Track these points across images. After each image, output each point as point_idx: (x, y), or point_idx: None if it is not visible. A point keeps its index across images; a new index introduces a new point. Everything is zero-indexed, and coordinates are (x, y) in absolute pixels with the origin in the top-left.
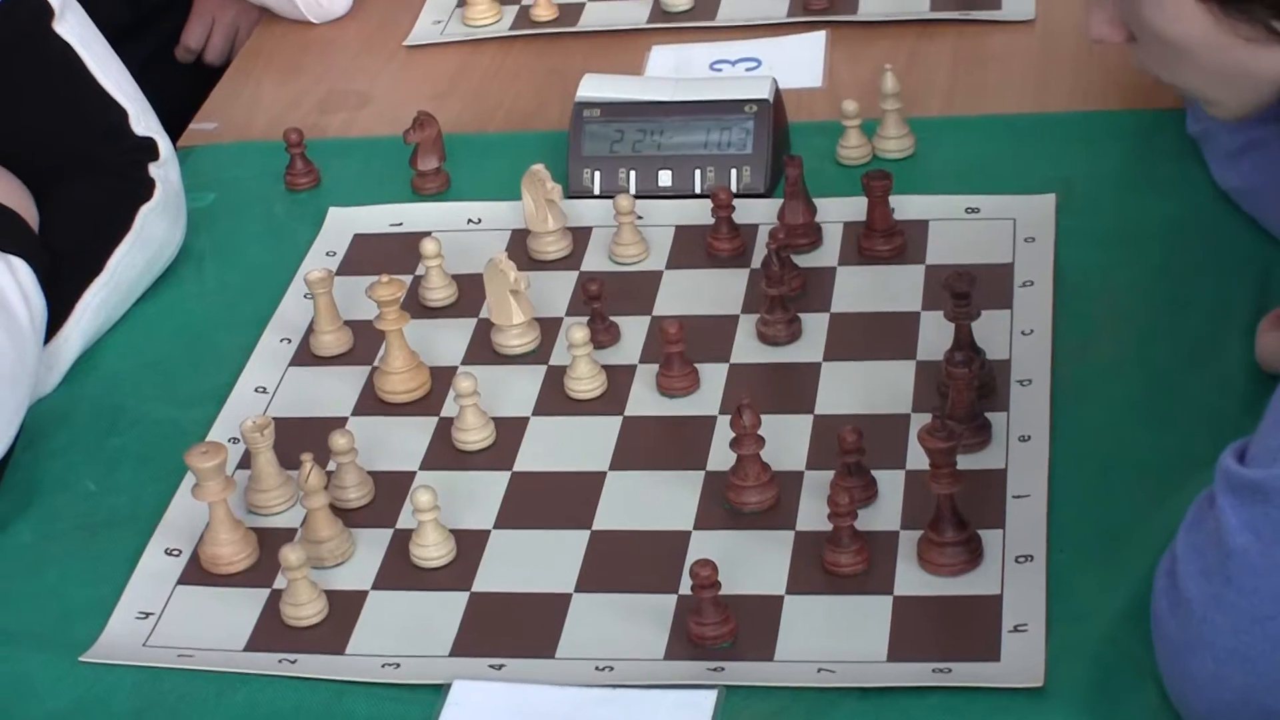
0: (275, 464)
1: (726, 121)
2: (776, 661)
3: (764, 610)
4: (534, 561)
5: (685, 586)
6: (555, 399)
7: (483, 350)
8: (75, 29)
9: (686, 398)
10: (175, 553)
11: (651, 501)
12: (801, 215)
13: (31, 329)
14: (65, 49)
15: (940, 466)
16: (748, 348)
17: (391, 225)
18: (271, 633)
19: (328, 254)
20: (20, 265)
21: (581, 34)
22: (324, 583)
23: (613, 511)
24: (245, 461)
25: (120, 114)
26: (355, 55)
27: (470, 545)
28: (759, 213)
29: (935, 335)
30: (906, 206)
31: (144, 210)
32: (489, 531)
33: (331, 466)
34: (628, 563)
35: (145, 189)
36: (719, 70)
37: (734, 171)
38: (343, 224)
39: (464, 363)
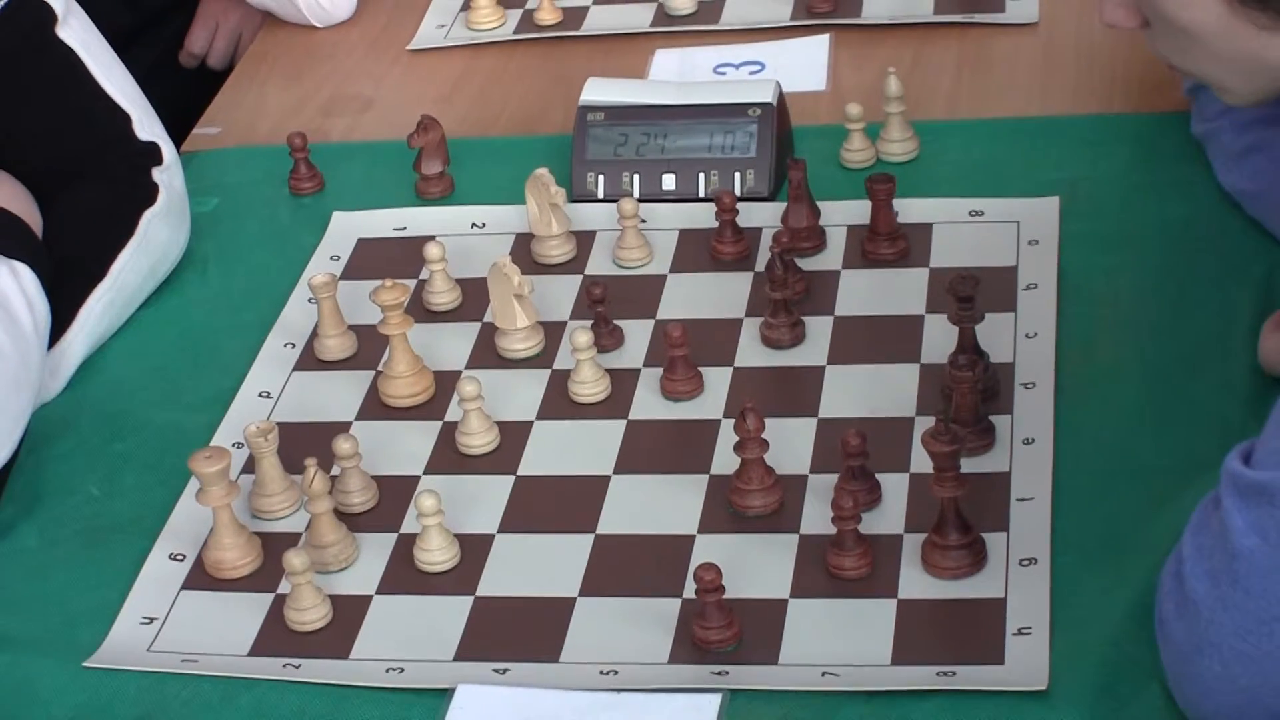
0: (279, 469)
1: (730, 125)
2: (781, 665)
3: (768, 614)
4: (538, 566)
5: (689, 590)
6: (559, 403)
7: (487, 354)
8: (78, 34)
9: (690, 401)
10: (179, 558)
11: (655, 505)
12: (805, 218)
13: (35, 334)
14: (68, 54)
15: (944, 470)
16: (751, 351)
17: (395, 229)
18: (276, 637)
19: (332, 258)
20: (24, 270)
21: (585, 37)
22: (328, 587)
23: (617, 515)
24: (249, 466)
25: (123, 119)
26: (359, 59)
27: (474, 549)
28: (763, 216)
29: (939, 338)
30: (910, 210)
31: (147, 215)
32: (493, 536)
33: (335, 471)
34: (632, 566)
35: (149, 194)
36: (722, 74)
37: (738, 175)
38: (347, 228)
39: (468, 367)
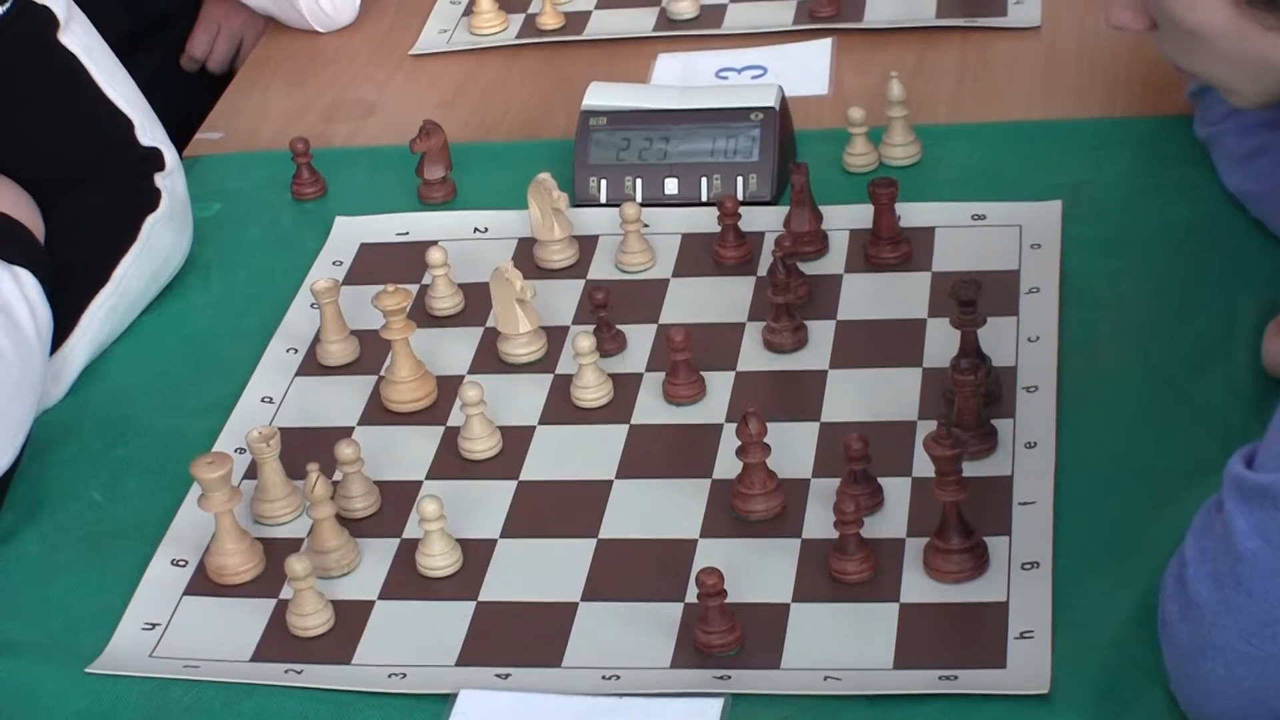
0: (281, 474)
1: (732, 129)
2: (783, 669)
3: (770, 618)
4: (540, 570)
5: (692, 595)
6: (562, 408)
7: (489, 359)
8: (80, 39)
9: (693, 406)
10: (181, 563)
11: (658, 510)
12: (808, 223)
13: (37, 340)
14: (70, 60)
15: (946, 474)
16: (754, 355)
17: (398, 234)
18: (278, 643)
19: (334, 263)
20: (26, 276)
21: (587, 42)
22: (330, 593)
23: (619, 520)
24: (251, 472)
25: (126, 124)
26: (361, 64)
27: (477, 554)
28: (765, 220)
29: (941, 342)
30: (912, 214)
31: (150, 220)
32: (495, 541)
33: (338, 476)
34: (634, 571)
35: (151, 199)
36: (725, 78)
37: (740, 179)
38: (349, 233)
39: (470, 372)
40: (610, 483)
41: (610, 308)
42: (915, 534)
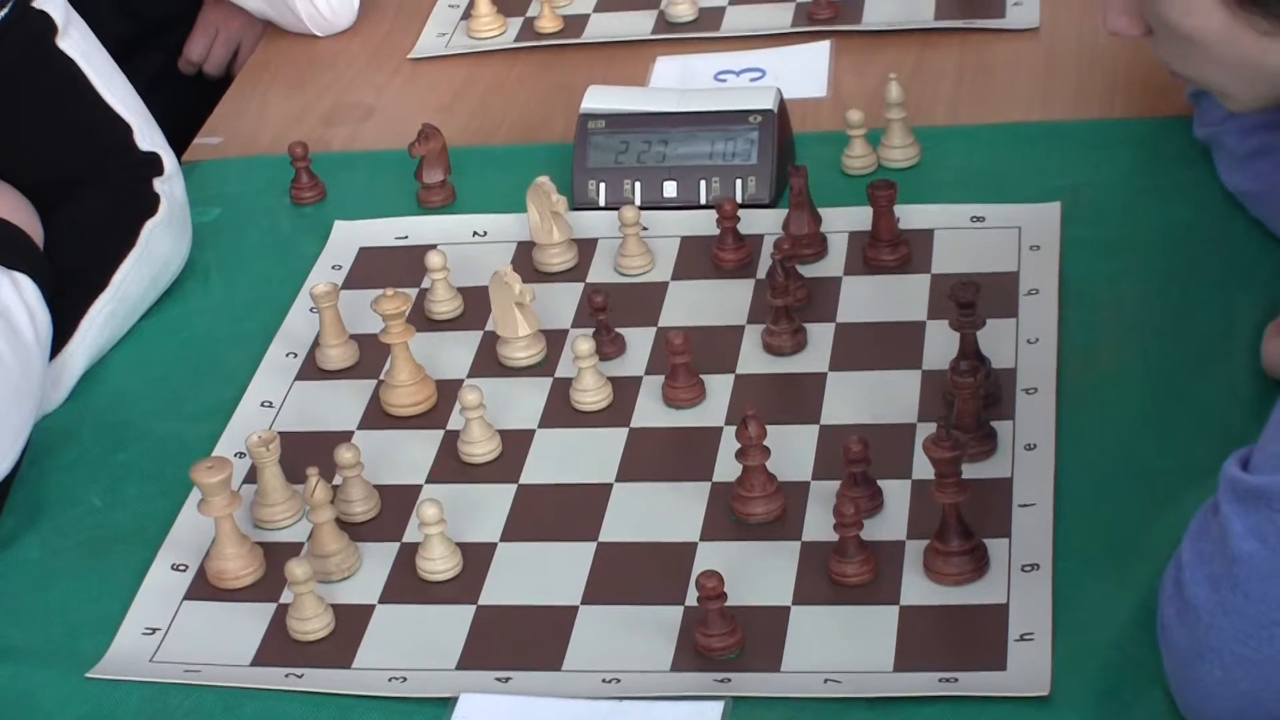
0: (281, 478)
1: (731, 132)
2: (783, 672)
3: (770, 621)
4: (540, 574)
5: (692, 598)
6: (561, 411)
7: (488, 363)
8: (79, 44)
9: (692, 409)
10: (182, 568)
11: (657, 513)
12: (806, 225)
13: (37, 345)
14: (69, 65)
15: (945, 476)
16: (753, 358)
17: (397, 238)
18: (278, 647)
19: (333, 268)
20: (25, 281)
21: (586, 45)
22: (330, 597)
23: (619, 523)
24: (251, 476)
25: (124, 129)
26: (360, 68)
27: (477, 558)
28: (764, 223)
29: (940, 344)
30: (911, 216)
31: (149, 225)
32: (495, 544)
33: (337, 480)
34: (634, 574)
35: (150, 204)
36: (723, 81)
37: (739, 182)
38: (348, 237)
39: (470, 375)
40: (610, 486)
41: (609, 311)
42: (915, 536)
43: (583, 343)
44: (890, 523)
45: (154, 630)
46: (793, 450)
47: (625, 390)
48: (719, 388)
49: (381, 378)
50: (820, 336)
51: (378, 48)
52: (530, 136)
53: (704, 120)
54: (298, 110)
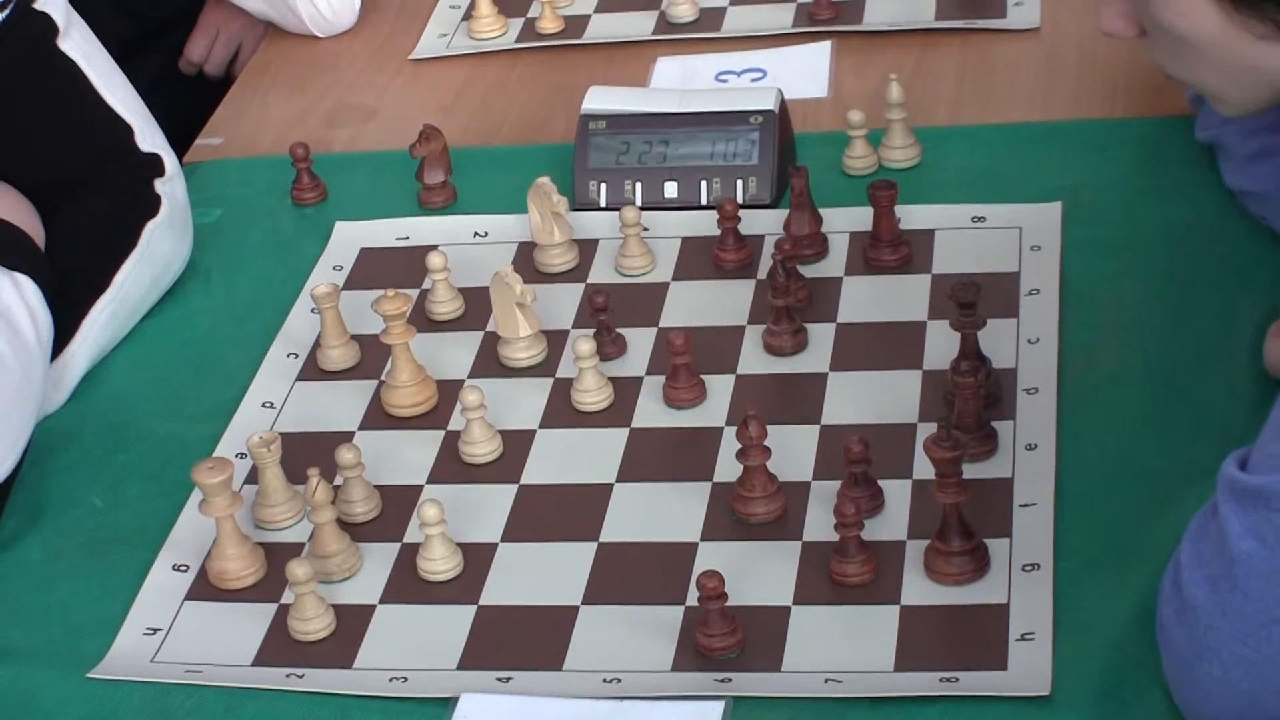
0: (282, 479)
1: (732, 133)
2: (784, 672)
3: (771, 621)
4: (541, 574)
5: (692, 598)
6: (562, 411)
7: (489, 363)
8: (80, 46)
9: (693, 409)
10: (183, 568)
11: (658, 513)
12: (807, 226)
13: (38, 346)
14: (70, 66)
15: (946, 476)
16: (754, 358)
17: (398, 239)
18: (279, 647)
19: (334, 268)
20: (26, 283)
21: (587, 46)
22: (331, 597)
23: (620, 523)
24: (252, 477)
25: (126, 130)
26: (361, 69)
27: (477, 558)
28: (765, 223)
29: (941, 344)
30: (912, 216)
31: (150, 226)
32: (496, 544)
33: (339, 481)
34: (635, 574)
35: (151, 205)
36: (724, 81)
37: (740, 182)
38: (349, 238)
39: (471, 376)
40: (611, 486)
41: (610, 311)
42: (916, 536)
43: (584, 343)
44: (891, 523)
45: (155, 631)
46: (793, 450)
47: (626, 391)
48: (720, 388)
49: (382, 378)
50: (821, 337)
51: (379, 49)
52: (531, 137)
53: (705, 121)
54: (299, 111)
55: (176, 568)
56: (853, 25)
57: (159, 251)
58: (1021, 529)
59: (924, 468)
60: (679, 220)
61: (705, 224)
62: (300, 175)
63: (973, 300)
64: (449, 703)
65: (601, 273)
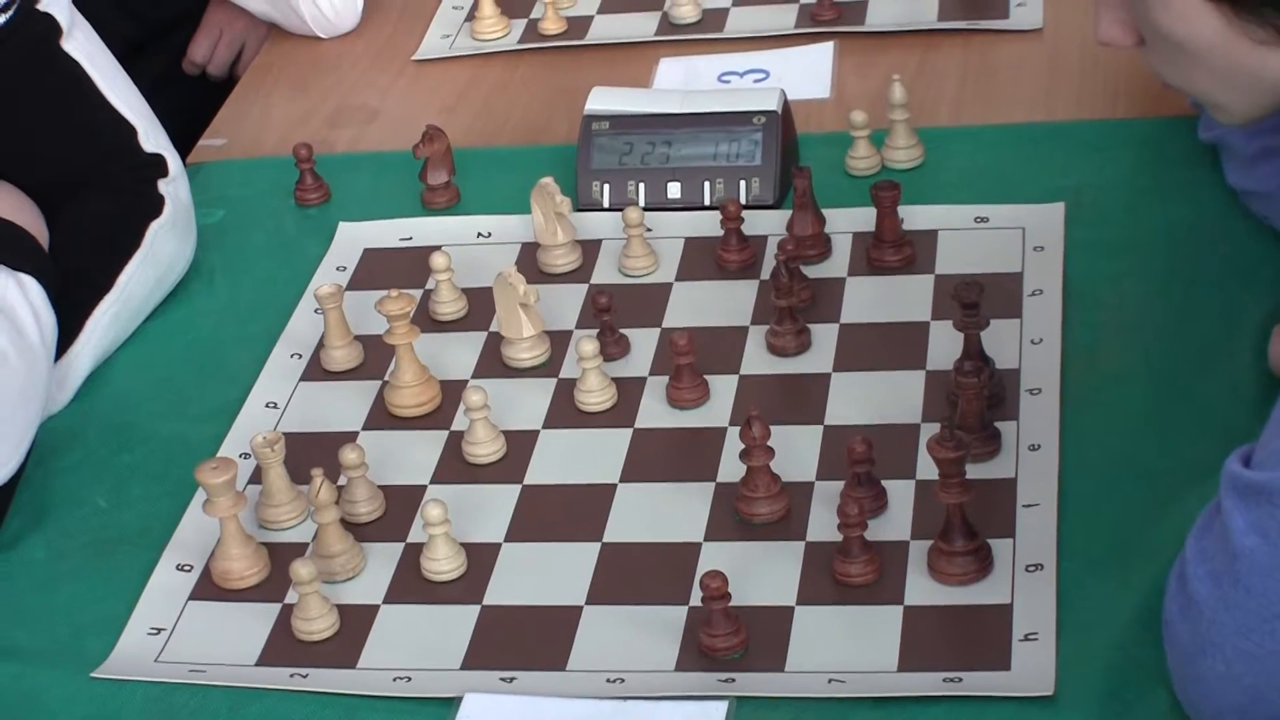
0: (286, 479)
1: (735, 133)
2: (787, 672)
3: (774, 621)
4: (545, 574)
5: (696, 598)
6: (565, 412)
7: (493, 364)
8: (83, 46)
9: (696, 409)
10: (186, 568)
11: (662, 513)
12: (810, 226)
13: (42, 346)
14: (73, 66)
15: (949, 476)
16: (757, 359)
17: (401, 240)
18: (283, 647)
19: (338, 269)
20: (30, 283)
21: (590, 47)
22: (335, 597)
23: (623, 524)
24: (256, 477)
25: (129, 131)
26: (364, 70)
27: (481, 558)
28: (768, 224)
29: (945, 345)
30: (915, 216)
31: (154, 227)
32: (500, 545)
33: (342, 481)
34: (638, 575)
35: (155, 206)
36: (727, 82)
37: (743, 183)
38: (352, 239)
39: (474, 376)
40: (614, 486)
41: (613, 312)
42: (919, 536)
43: (587, 343)
44: (894, 523)
45: (159, 630)
46: (797, 450)
47: (629, 391)
48: (723, 388)
49: (386, 378)
50: (824, 337)
51: (381, 49)
52: (534, 138)
53: (708, 121)
54: (302, 112)
55: (180, 568)
56: (855, 26)
57: (162, 252)
58: (1025, 529)
59: (927, 468)
60: (682, 221)
61: (708, 224)
62: (303, 176)
63: (976, 301)
64: (452, 703)
65: (605, 273)
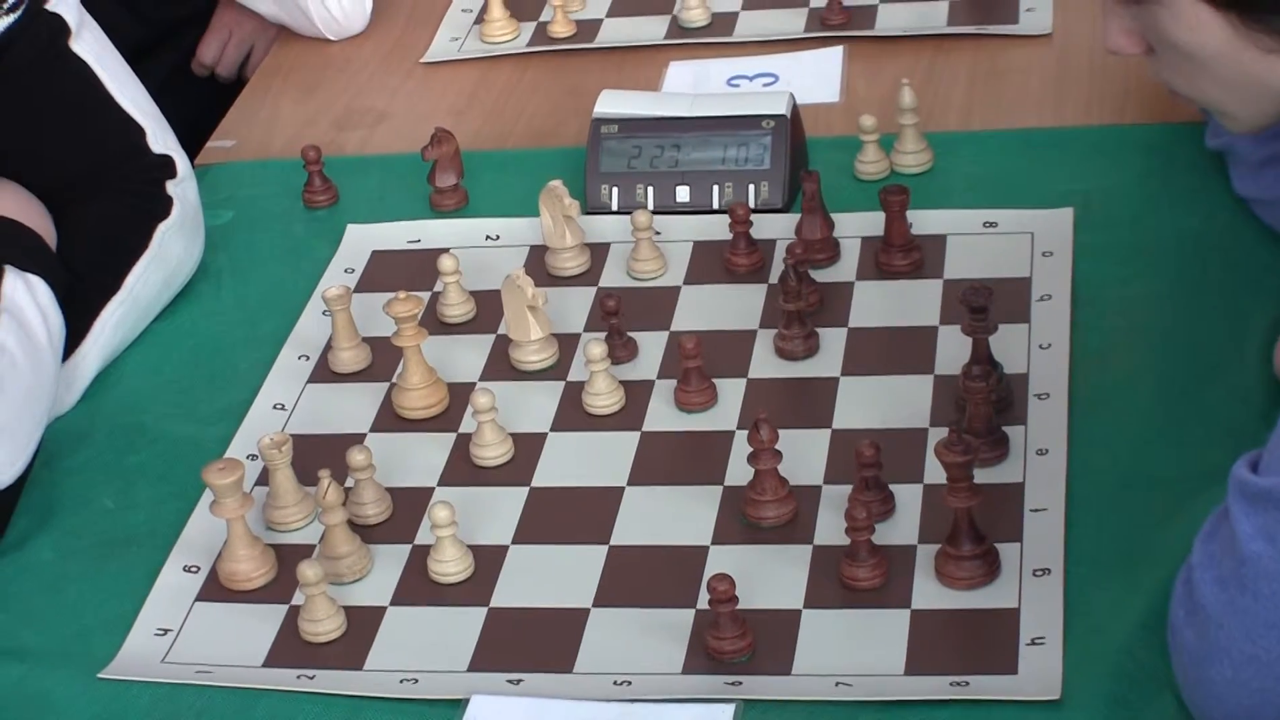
0: (293, 480)
1: (744, 137)
2: (794, 675)
3: (781, 624)
4: (552, 576)
5: (703, 601)
6: (573, 414)
7: (501, 366)
8: (92, 47)
9: (704, 413)
10: (194, 569)
11: (669, 516)
12: (819, 230)
13: (50, 347)
14: (82, 67)
15: (957, 480)
16: (765, 362)
17: (409, 242)
18: (290, 648)
19: (346, 271)
20: (39, 284)
21: (599, 50)
22: (342, 598)
23: (630, 526)
24: (263, 478)
25: (138, 132)
26: (373, 72)
27: (488, 560)
28: (777, 228)
29: (953, 349)
30: (924, 221)
31: (162, 228)
32: (507, 547)
33: (350, 483)
34: (645, 577)
35: (163, 207)
36: (736, 86)
37: (752, 187)
38: (361, 241)
39: (482, 379)
40: (622, 489)
41: (622, 315)
42: (927, 540)
43: (595, 346)
44: (902, 527)
45: (166, 631)
46: (804, 454)
47: (637, 394)
48: (731, 392)
49: (394, 380)
50: (832, 341)
51: (390, 52)
52: (543, 141)
53: (717, 125)
54: (310, 114)
55: (187, 569)
56: (865, 30)
57: (170, 253)
58: (1032, 534)
59: (935, 472)
60: (691, 224)
61: (717, 228)
62: (312, 178)
63: (984, 305)
64: (459, 704)
65: (613, 276)
